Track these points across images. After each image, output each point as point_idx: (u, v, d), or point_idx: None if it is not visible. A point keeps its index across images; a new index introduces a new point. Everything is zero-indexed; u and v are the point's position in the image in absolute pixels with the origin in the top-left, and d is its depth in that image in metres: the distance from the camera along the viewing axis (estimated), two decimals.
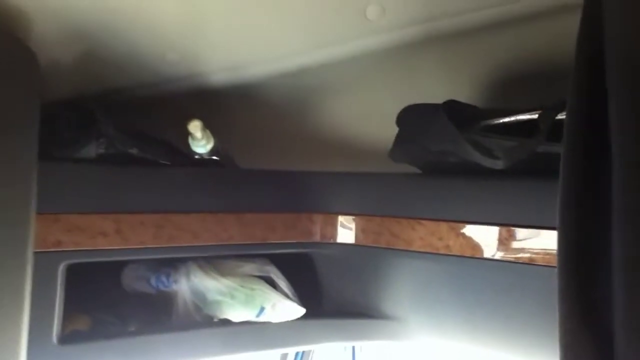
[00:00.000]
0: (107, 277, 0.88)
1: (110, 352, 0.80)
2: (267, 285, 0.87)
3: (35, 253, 0.64)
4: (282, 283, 0.90)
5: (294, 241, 0.89)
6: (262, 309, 0.85)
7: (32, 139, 0.64)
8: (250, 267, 0.88)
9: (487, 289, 0.77)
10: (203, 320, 0.87)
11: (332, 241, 0.90)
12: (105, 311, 0.87)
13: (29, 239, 0.64)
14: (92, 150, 0.76)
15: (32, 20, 0.72)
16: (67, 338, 0.77)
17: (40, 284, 0.68)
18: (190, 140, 0.81)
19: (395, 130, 0.86)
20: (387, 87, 0.98)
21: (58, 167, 0.74)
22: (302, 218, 0.89)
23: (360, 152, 1.06)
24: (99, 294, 0.87)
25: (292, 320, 0.89)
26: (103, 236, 0.76)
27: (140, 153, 0.78)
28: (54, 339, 0.75)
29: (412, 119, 0.84)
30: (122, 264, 0.89)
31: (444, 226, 0.79)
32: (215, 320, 0.86)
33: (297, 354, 1.27)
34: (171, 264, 0.86)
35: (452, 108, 0.77)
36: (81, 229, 0.75)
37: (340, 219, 0.89)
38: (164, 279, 0.85)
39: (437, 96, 0.81)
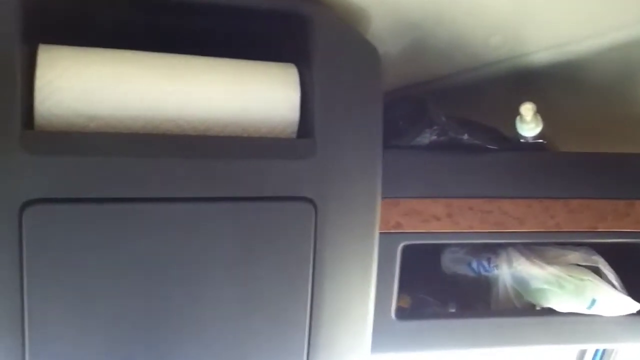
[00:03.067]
0: (426, 258, 0.91)
1: (436, 330, 0.84)
2: (597, 277, 0.82)
3: (380, 234, 0.70)
4: (611, 275, 0.83)
5: (627, 230, 0.82)
6: (593, 301, 0.80)
7: (378, 129, 0.68)
8: (575, 256, 0.84)
9: None
10: (523, 307, 0.85)
11: None
12: (425, 291, 0.90)
13: (376, 221, 0.69)
14: (425, 138, 0.79)
15: (371, 17, 0.77)
16: (401, 314, 0.82)
17: (382, 263, 0.73)
18: (517, 124, 0.79)
19: None
20: None
21: (398, 155, 0.78)
22: (636, 206, 0.81)
23: None
24: (418, 275, 0.91)
25: (622, 316, 0.82)
26: (436, 220, 0.79)
27: (470, 139, 0.79)
28: (392, 314, 0.80)
29: None
30: (440, 247, 0.92)
31: None
32: (538, 308, 0.84)
33: (596, 352, 1.19)
34: (491, 249, 0.87)
35: None
36: (417, 213, 0.79)
37: None
38: (485, 263, 0.86)
39: None
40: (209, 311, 0.61)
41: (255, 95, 0.62)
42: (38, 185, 0.53)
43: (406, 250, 0.80)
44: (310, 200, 0.63)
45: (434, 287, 0.92)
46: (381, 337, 0.77)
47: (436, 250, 0.93)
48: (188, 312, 0.60)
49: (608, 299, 0.80)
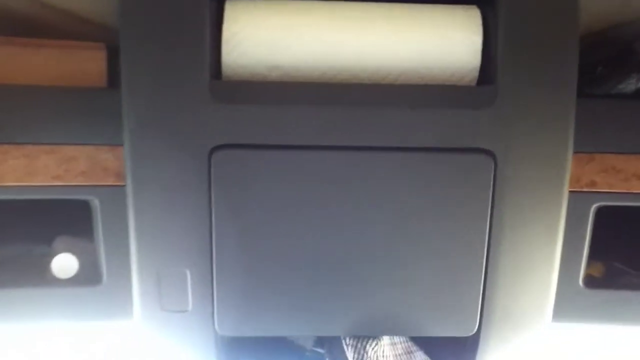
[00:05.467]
0: (624, 223, 0.81)
1: (630, 304, 0.75)
2: None
3: (569, 193, 0.63)
4: None
5: None
6: None
7: (571, 75, 0.61)
8: None
9: None
10: None
11: None
12: (621, 260, 0.81)
13: (565, 178, 0.62)
14: (630, 85, 0.69)
15: None
16: (591, 282, 0.74)
17: (572, 224, 0.66)
18: None
19: None
20: None
21: (594, 104, 0.69)
22: None
23: None
24: (614, 241, 0.81)
25: None
26: (637, 179, 0.69)
27: None
28: (580, 282, 0.73)
29: None
30: None
31: None
32: None
33: None
34: None
35: None
36: (616, 170, 0.70)
37: None
38: None
39: None
40: (378, 259, 0.61)
41: (434, 40, 0.59)
42: (225, 132, 0.57)
43: (600, 212, 0.71)
44: (489, 152, 0.59)
45: (632, 256, 0.82)
46: (566, 306, 0.71)
47: (637, 215, 0.82)
48: (357, 257, 0.61)
49: None
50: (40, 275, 0.69)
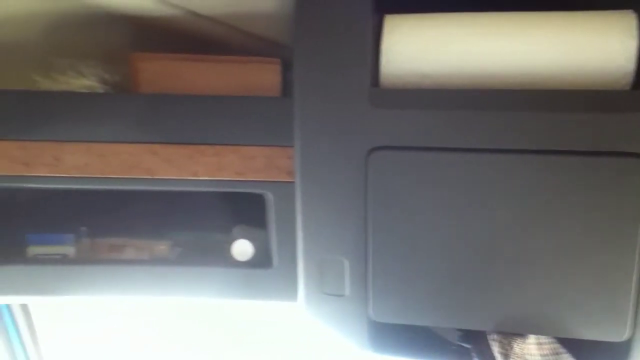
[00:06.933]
0: None
1: None
2: None
3: None
4: None
5: None
6: None
7: None
8: None
9: None
10: None
11: None
12: None
13: None
14: None
15: None
16: None
17: None
18: None
19: None
20: None
21: None
22: None
23: None
24: None
25: None
26: None
27: None
28: None
29: None
30: None
31: None
32: None
33: None
34: None
35: None
36: None
37: None
38: None
39: None
40: (529, 258, 0.63)
41: (588, 45, 0.60)
42: (382, 135, 0.63)
43: None
44: None
45: None
46: None
47: None
48: (508, 255, 0.63)
49: None
50: (221, 258, 0.81)
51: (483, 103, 0.61)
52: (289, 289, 0.77)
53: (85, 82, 0.78)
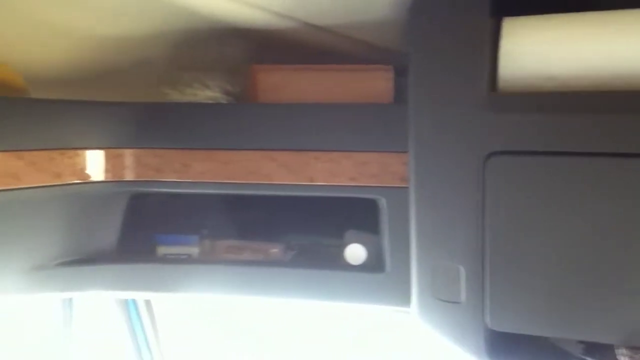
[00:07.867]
0: None
1: None
2: None
3: None
4: None
5: None
6: None
7: None
8: None
9: None
10: None
11: None
12: None
13: None
14: None
15: None
16: None
17: None
18: None
19: None
20: None
21: None
22: None
23: None
24: None
25: None
26: None
27: None
28: None
29: None
30: None
31: None
32: None
33: None
34: None
35: None
36: None
37: None
38: None
39: None
40: None
41: None
42: (501, 140, 0.62)
43: None
44: None
45: None
46: None
47: None
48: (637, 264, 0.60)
49: None
50: (334, 261, 0.83)
51: (612, 106, 0.58)
52: (401, 294, 0.77)
53: (209, 93, 0.84)
